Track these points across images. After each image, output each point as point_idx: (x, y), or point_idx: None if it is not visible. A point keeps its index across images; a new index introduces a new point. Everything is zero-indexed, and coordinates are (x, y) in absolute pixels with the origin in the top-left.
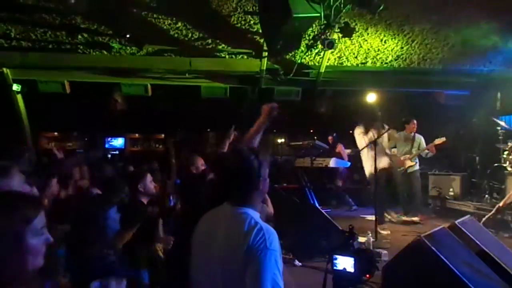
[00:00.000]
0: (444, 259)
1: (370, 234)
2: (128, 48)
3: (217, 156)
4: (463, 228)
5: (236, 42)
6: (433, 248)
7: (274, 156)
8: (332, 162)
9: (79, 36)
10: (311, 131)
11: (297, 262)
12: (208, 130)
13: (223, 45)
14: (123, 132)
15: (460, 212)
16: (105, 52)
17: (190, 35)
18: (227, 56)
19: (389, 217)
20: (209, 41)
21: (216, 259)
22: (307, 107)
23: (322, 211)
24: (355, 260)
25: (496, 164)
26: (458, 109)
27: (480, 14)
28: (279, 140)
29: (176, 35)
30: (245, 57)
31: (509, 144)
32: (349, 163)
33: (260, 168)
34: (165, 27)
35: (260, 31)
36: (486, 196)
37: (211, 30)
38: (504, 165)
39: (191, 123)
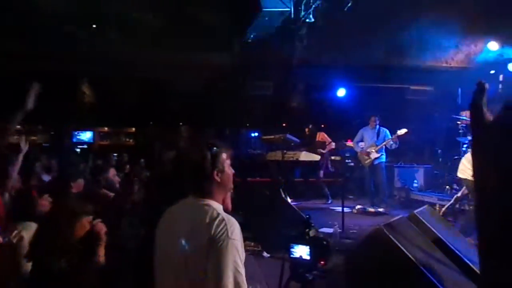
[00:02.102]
0: (402, 247)
1: (336, 225)
2: (96, 38)
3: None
4: (420, 217)
5: (208, 35)
6: (391, 237)
7: (248, 149)
8: (303, 156)
9: (45, 24)
10: (284, 125)
11: (265, 254)
12: (181, 123)
13: (195, 38)
14: (91, 126)
15: (424, 202)
16: (72, 42)
17: (160, 26)
18: (198, 49)
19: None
20: (180, 33)
21: (179, 250)
22: (279, 101)
23: (291, 203)
24: (310, 248)
25: (456, 157)
26: (422, 104)
27: (442, 15)
28: (252, 134)
29: (146, 26)
30: (217, 50)
31: (468, 137)
32: (319, 157)
33: (214, 160)
34: (134, 17)
35: (232, 24)
36: (447, 187)
37: (182, 23)
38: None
39: (163, 116)
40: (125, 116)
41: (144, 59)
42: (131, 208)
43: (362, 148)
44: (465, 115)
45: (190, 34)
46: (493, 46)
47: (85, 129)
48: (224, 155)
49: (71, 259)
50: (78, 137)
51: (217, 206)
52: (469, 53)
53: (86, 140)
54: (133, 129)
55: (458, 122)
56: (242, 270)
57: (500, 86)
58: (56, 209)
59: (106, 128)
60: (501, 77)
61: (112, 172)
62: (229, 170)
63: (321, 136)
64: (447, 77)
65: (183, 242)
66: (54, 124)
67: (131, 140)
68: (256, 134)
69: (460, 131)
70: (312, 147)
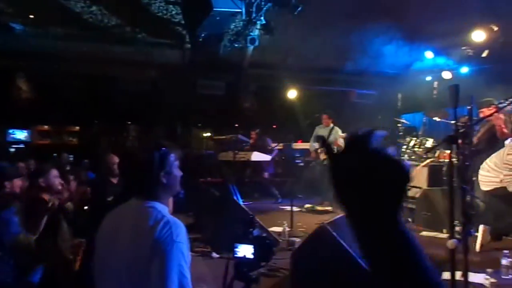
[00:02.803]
0: (344, 244)
1: (286, 224)
2: (34, 30)
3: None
4: None
5: (157, 32)
6: (334, 234)
7: (199, 150)
8: (254, 156)
9: None
10: (236, 125)
11: (214, 254)
12: (129, 122)
13: (143, 34)
14: (28, 124)
15: None
16: (6, 33)
17: (106, 20)
18: (147, 46)
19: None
20: (128, 28)
21: (122, 256)
22: (231, 101)
23: (241, 204)
24: (254, 247)
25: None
26: (366, 107)
27: (385, 25)
28: (204, 134)
29: (90, 19)
30: (167, 47)
31: (407, 139)
32: (270, 157)
33: (162, 161)
34: (77, 10)
35: (182, 22)
36: None
37: (129, 17)
38: (403, 158)
39: (110, 115)
40: (68, 114)
41: (89, 53)
42: (73, 214)
43: (316, 148)
44: (405, 119)
45: (140, 29)
46: (429, 55)
47: (21, 127)
48: (173, 157)
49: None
50: (13, 135)
51: (162, 208)
52: (409, 60)
53: (23, 139)
54: (77, 127)
55: (398, 125)
56: (187, 273)
57: (435, 92)
58: None
59: (46, 126)
60: (435, 84)
61: (53, 173)
62: (177, 172)
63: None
64: (389, 82)
65: (125, 246)
66: None
67: (74, 140)
68: (208, 134)
69: (400, 133)
70: (260, 151)
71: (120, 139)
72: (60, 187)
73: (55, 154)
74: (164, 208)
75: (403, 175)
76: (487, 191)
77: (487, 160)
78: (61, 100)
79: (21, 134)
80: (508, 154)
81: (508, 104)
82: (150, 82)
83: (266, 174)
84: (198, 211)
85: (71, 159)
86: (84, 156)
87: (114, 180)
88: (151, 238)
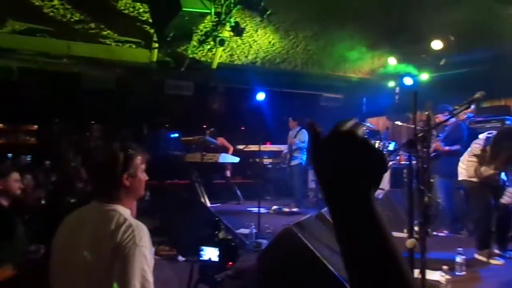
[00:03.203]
0: (309, 244)
1: (253, 226)
2: None
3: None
4: (327, 216)
5: (123, 30)
6: (300, 235)
7: (166, 151)
8: (221, 158)
9: None
10: (204, 126)
11: (180, 257)
12: (93, 122)
13: (108, 31)
14: None
15: None
16: None
17: (69, 15)
18: (113, 44)
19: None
20: (92, 25)
21: (80, 261)
22: (200, 102)
23: (208, 206)
24: (219, 250)
25: None
26: (333, 110)
27: (351, 31)
28: (172, 135)
29: (51, 13)
30: (134, 46)
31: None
32: (238, 159)
33: (127, 163)
34: (37, 3)
35: (150, 20)
36: None
37: (94, 13)
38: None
39: (72, 114)
40: (25, 111)
41: (49, 49)
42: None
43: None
44: (369, 122)
45: (105, 26)
46: (392, 61)
47: None
48: (138, 160)
49: None
50: None
51: (124, 211)
52: (373, 66)
53: None
54: (35, 126)
55: (363, 128)
56: (150, 278)
57: (397, 97)
58: None
59: (0, 125)
60: (397, 89)
61: (14, 176)
62: (142, 176)
63: (220, 140)
64: (355, 86)
65: (85, 251)
66: None
67: (32, 139)
68: (177, 135)
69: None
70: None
71: (82, 139)
72: (18, 192)
73: (9, 154)
74: (127, 211)
75: (384, 163)
76: (459, 181)
77: (465, 152)
78: (17, 97)
79: None
80: (475, 143)
81: (462, 111)
82: (115, 80)
83: (228, 173)
84: (165, 214)
85: (29, 159)
86: (43, 157)
87: (80, 184)
88: (113, 242)
